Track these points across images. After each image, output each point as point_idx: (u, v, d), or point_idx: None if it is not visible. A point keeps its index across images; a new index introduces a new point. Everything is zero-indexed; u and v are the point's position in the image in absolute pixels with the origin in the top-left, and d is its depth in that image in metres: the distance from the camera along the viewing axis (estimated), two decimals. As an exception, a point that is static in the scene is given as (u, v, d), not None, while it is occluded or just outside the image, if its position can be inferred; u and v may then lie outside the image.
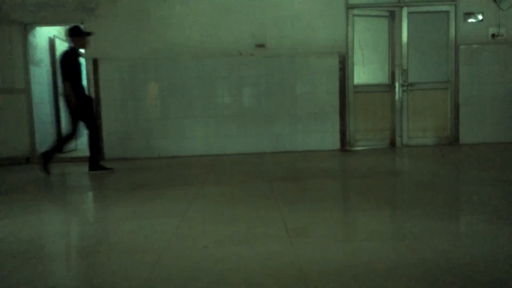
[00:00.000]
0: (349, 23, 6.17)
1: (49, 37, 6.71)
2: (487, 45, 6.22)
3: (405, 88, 6.29)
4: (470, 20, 6.20)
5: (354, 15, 6.18)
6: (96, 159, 4.82)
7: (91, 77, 5.95)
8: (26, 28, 6.00)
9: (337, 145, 6.23)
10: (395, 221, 2.49)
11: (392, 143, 6.40)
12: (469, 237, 2.15)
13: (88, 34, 4.80)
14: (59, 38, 6.97)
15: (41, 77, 6.41)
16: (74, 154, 6.82)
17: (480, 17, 6.18)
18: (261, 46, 6.10)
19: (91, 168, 4.79)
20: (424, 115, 6.36)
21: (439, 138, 6.39)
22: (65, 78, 4.60)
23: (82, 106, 4.65)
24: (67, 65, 4.60)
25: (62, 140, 4.80)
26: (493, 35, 6.20)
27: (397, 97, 6.32)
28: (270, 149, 6.19)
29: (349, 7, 6.15)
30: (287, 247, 2.01)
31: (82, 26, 4.95)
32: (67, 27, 4.89)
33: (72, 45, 4.72)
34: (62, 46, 7.03)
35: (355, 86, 6.27)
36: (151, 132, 6.09)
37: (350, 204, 3.13)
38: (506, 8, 6.14)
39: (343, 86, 6.17)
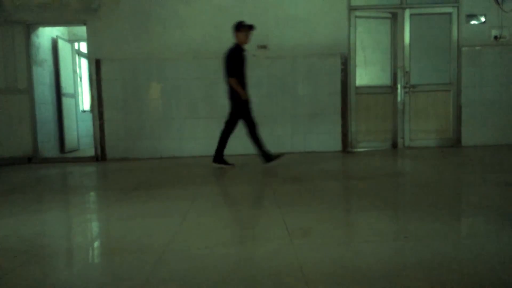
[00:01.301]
0: (351, 25, 6.17)
1: (52, 37, 6.72)
2: (489, 47, 6.21)
3: (407, 89, 6.28)
4: (472, 22, 6.19)
5: (356, 17, 6.18)
6: (264, 151, 4.85)
7: (94, 77, 5.96)
8: (29, 28, 6.01)
9: (339, 146, 6.23)
10: (396, 222, 2.48)
11: (394, 145, 6.39)
12: (471, 238, 2.15)
13: (250, 27, 4.76)
14: (62, 39, 6.99)
15: (44, 77, 6.42)
16: (76, 154, 6.84)
17: (482, 19, 6.17)
18: (263, 47, 6.11)
19: (267, 160, 4.85)
20: (426, 117, 6.35)
21: (441, 140, 6.38)
22: (230, 75, 4.63)
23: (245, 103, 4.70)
24: (232, 61, 4.63)
25: (223, 138, 4.81)
26: (495, 37, 6.19)
27: (399, 98, 6.31)
28: (271, 150, 6.16)
29: (351, 9, 6.15)
30: (288, 247, 2.01)
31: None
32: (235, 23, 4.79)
33: (236, 40, 4.73)
34: (64, 46, 7.06)
35: (357, 88, 6.27)
36: (153, 133, 6.10)
37: (351, 206, 3.12)
38: (509, 10, 6.13)
39: (345, 87, 6.16)
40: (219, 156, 4.84)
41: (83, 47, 7.92)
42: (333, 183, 3.86)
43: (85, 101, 8.37)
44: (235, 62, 4.65)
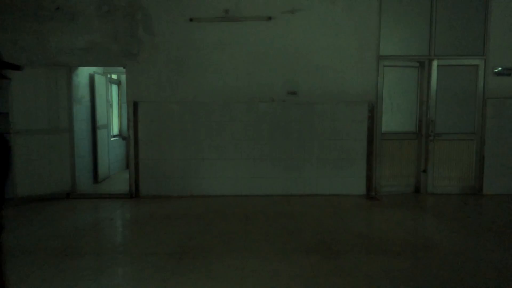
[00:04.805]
0: (379, 73, 6.34)
1: (89, 73, 7.00)
2: (515, 99, 6.34)
3: (431, 137, 6.45)
4: (499, 75, 6.32)
5: (384, 66, 6.35)
6: None
7: (131, 118, 6.24)
8: (71, 70, 6.28)
9: (363, 190, 6.43)
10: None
11: (417, 190, 6.57)
12: None
13: None
14: (98, 74, 7.27)
15: (82, 113, 6.70)
16: (110, 187, 6.93)
17: (508, 72, 6.30)
18: (292, 93, 6.32)
19: None
20: (449, 164, 6.52)
21: (463, 187, 6.54)
22: None
23: None
24: None
25: None
26: (521, 90, 6.29)
27: (423, 145, 6.48)
28: (297, 191, 6.42)
29: (380, 58, 6.32)
30: None
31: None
32: None
33: None
34: (100, 79, 7.34)
35: (383, 134, 6.45)
36: (184, 172, 6.37)
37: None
38: (536, 64, 6.23)
39: (371, 133, 6.36)
40: None
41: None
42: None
43: (114, 127, 8.67)
44: None
